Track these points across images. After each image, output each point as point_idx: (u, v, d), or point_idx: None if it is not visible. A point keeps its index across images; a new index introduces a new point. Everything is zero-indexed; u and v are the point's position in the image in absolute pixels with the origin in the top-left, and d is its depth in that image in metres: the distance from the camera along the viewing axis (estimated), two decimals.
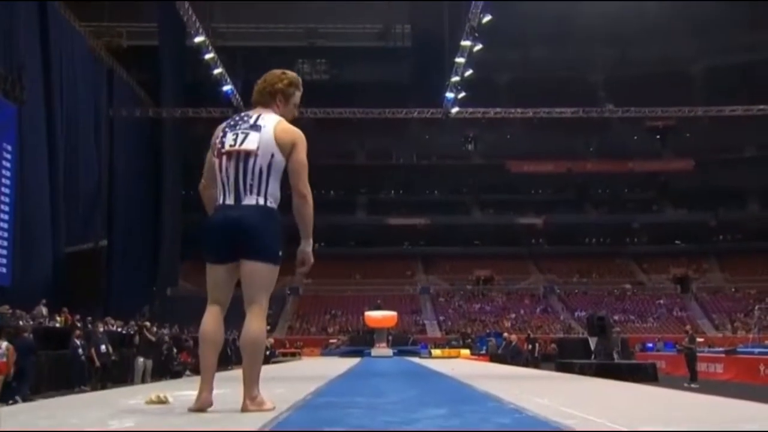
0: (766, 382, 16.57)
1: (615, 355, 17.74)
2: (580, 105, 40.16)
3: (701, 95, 46.88)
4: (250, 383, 3.71)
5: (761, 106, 38.63)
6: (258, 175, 3.74)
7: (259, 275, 3.72)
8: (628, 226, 53.41)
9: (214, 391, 3.78)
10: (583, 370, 15.15)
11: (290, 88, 4.02)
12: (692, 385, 16.08)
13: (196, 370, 19.77)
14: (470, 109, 39.32)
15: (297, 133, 3.85)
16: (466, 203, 54.61)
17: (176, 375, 18.62)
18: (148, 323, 21.15)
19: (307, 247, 3.84)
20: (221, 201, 3.79)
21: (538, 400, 4.24)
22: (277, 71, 4.08)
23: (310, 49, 53.10)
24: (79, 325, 18.06)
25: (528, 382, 7.34)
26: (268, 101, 3.98)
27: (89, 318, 19.60)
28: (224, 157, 3.80)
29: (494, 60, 45.09)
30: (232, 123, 3.91)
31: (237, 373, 13.33)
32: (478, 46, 33.31)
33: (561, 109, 39.60)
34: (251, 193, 3.74)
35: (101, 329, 17.53)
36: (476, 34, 32.04)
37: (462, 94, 37.86)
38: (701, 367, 19.81)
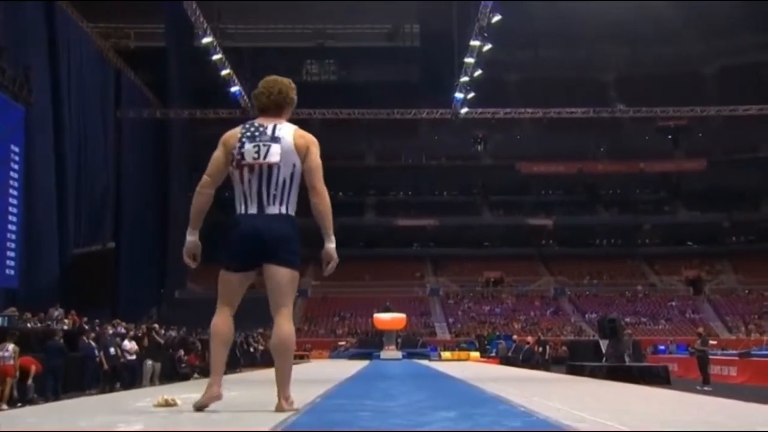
0: None
1: (626, 358, 17.69)
2: (590, 105, 40.03)
3: (714, 95, 46.65)
4: (284, 384, 3.90)
5: None
6: (282, 186, 3.92)
7: (285, 281, 3.95)
8: (639, 227, 53.23)
9: (224, 393, 3.82)
10: (594, 373, 15.10)
11: (295, 96, 4.27)
12: (705, 388, 16.01)
13: (204, 373, 19.86)
14: (480, 110, 39.26)
15: (310, 137, 4.05)
16: (475, 204, 54.53)
17: (184, 377, 18.66)
18: (156, 325, 21.20)
19: (330, 244, 3.98)
20: (243, 210, 3.96)
21: (548, 404, 4.24)
22: (280, 78, 4.27)
23: (318, 49, 53.21)
24: (86, 327, 18.13)
25: (538, 385, 7.32)
26: (281, 110, 4.16)
27: (97, 320, 19.68)
28: (245, 169, 3.94)
29: (504, 60, 45.09)
30: (248, 134, 4.00)
31: (245, 375, 13.29)
32: (488, 46, 33.26)
33: (571, 110, 39.48)
34: (274, 203, 3.91)
35: (110, 331, 17.60)
36: (485, 34, 32.00)
37: (471, 95, 37.81)
38: (714, 370, 19.70)
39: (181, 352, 20.75)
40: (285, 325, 3.94)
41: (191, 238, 4.18)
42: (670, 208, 54.24)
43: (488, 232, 53.48)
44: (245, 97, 39.16)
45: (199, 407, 3.81)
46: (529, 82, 50.44)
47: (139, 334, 19.36)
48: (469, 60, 34.45)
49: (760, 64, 47.89)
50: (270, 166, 3.91)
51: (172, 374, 19.28)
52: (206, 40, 33.67)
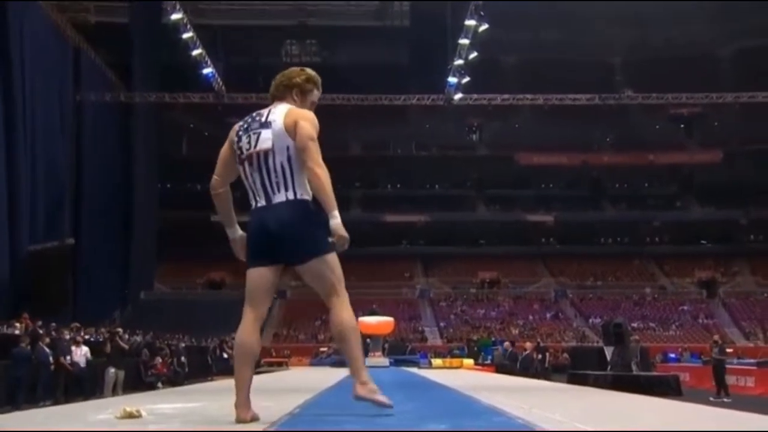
0: None
1: (633, 367, 17.78)
2: (595, 91, 40.27)
3: (730, 80, 46.97)
4: (358, 370, 4.02)
5: None
6: (282, 172, 4.00)
7: (324, 268, 4.01)
8: (648, 225, 53.50)
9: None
10: (598, 383, 15.18)
11: (308, 84, 4.26)
12: (725, 400, 16.09)
13: (171, 382, 19.82)
14: (475, 96, 39.38)
15: (301, 112, 4.09)
16: (470, 199, 54.63)
17: (150, 387, 18.60)
18: (120, 330, 21.09)
19: (334, 220, 3.99)
20: (254, 204, 4.08)
21: (549, 416, 4.25)
22: (297, 68, 4.36)
23: (299, 28, 53.06)
24: (41, 331, 18.00)
25: (537, 395, 7.35)
26: (284, 95, 4.23)
27: (53, 324, 19.53)
28: (246, 163, 4.06)
29: (501, 41, 45.11)
30: (245, 125, 4.14)
31: (217, 384, 13.22)
32: (484, 26, 33.34)
33: (575, 96, 39.70)
34: (279, 190, 4.01)
35: (67, 336, 17.51)
36: (481, 13, 32.09)
37: (466, 79, 37.88)
38: (730, 380, 19.81)
39: (147, 358, 20.67)
40: (344, 313, 4.04)
41: (233, 236, 4.28)
42: (681, 203, 54.56)
43: (483, 229, 53.59)
44: (219, 80, 39.10)
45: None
46: (528, 65, 50.56)
47: (100, 339, 19.26)
48: (464, 41, 34.51)
49: None
50: (265, 154, 4.01)
51: (137, 383, 19.21)
52: (175, 16, 33.53)
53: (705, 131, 53.86)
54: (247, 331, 4.03)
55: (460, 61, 35.83)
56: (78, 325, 20.57)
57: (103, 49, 38.08)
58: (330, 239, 3.99)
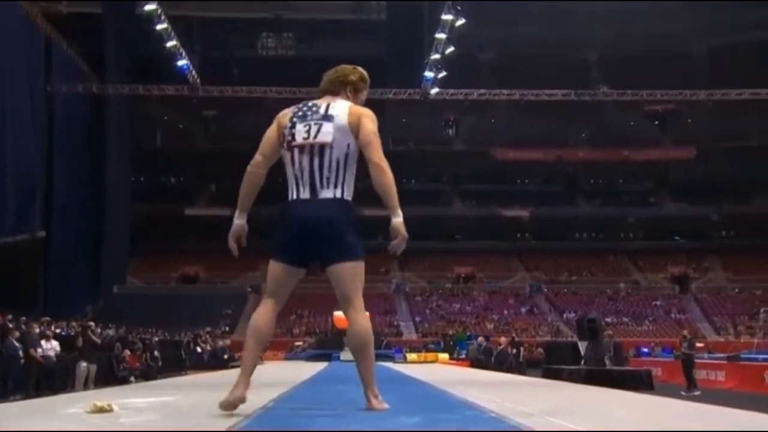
0: None
1: (607, 361, 17.90)
2: (571, 87, 40.48)
3: (704, 77, 47.40)
4: (370, 381, 4.05)
5: None
6: (336, 168, 4.03)
7: (350, 274, 4.06)
8: (622, 220, 53.93)
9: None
10: (571, 377, 15.30)
11: (361, 83, 4.40)
12: (693, 393, 16.33)
13: (144, 376, 19.71)
14: (451, 91, 39.48)
15: (363, 109, 4.20)
16: (446, 194, 54.75)
17: (122, 381, 18.48)
18: (92, 324, 20.92)
19: (397, 218, 4.09)
20: (295, 195, 4.03)
21: (521, 409, 4.28)
22: (349, 65, 4.45)
23: (275, 21, 52.83)
24: (11, 325, 17.81)
25: (511, 390, 7.40)
26: (338, 90, 4.30)
27: (24, 318, 19.32)
28: (296, 150, 4.04)
29: (478, 36, 45.19)
30: (300, 113, 4.14)
31: (191, 379, 13.13)
32: (461, 21, 33.39)
33: (551, 92, 39.89)
34: (328, 186, 4.02)
35: (37, 330, 17.32)
36: (458, 8, 32.13)
37: (442, 74, 37.95)
38: (700, 374, 20.05)
39: (119, 352, 20.52)
40: (359, 320, 4.07)
41: (239, 221, 4.21)
42: (655, 199, 55.04)
43: (459, 224, 53.76)
44: (194, 73, 38.82)
45: (224, 408, 3.84)
46: (505, 61, 50.67)
47: (71, 333, 19.08)
48: (441, 36, 34.56)
49: (754, 44, 48.50)
50: (322, 146, 4.01)
51: (109, 377, 19.06)
52: (149, 7, 33.26)
53: (679, 128, 54.32)
54: (264, 319, 4.07)
55: (436, 56, 35.88)
56: (48, 319, 20.37)
57: (75, 40, 37.63)
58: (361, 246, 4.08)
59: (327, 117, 4.07)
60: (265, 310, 4.08)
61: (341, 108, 4.11)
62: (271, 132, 4.18)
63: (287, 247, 4.04)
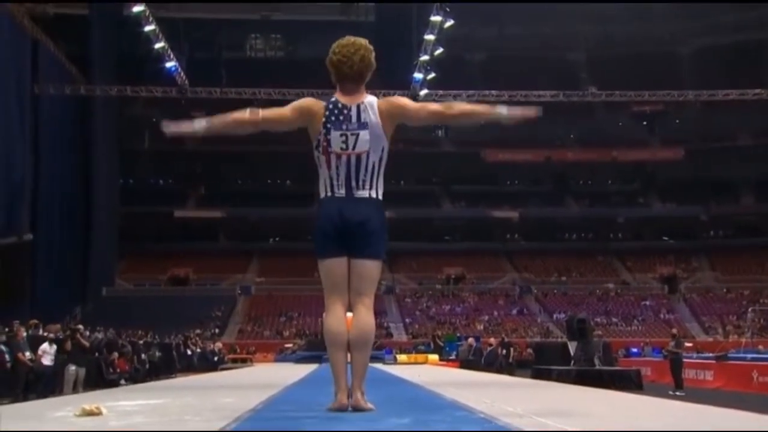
0: (759, 391, 16.88)
1: (596, 361, 17.94)
2: (560, 88, 40.53)
3: (692, 78, 47.59)
4: (362, 378, 4.10)
5: (757, 91, 39.34)
6: (372, 171, 4.11)
7: (371, 272, 4.13)
8: (611, 221, 54.12)
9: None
10: (561, 377, 15.34)
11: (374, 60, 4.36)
12: (677, 393, 16.40)
13: (133, 379, 19.65)
14: (440, 92, 39.35)
15: (385, 102, 4.20)
16: (435, 194, 54.82)
17: (112, 384, 18.40)
18: (80, 327, 20.83)
19: (503, 110, 4.40)
20: (330, 192, 4.11)
21: (510, 409, 4.29)
22: (357, 41, 4.40)
23: (263, 22, 52.77)
24: None
25: (501, 390, 7.41)
26: (363, 80, 4.29)
27: (17, 321, 19.22)
28: (333, 156, 4.09)
29: (467, 37, 45.31)
30: (333, 118, 4.11)
31: (181, 381, 13.09)
32: (449, 22, 33.42)
33: (539, 92, 39.87)
34: (364, 187, 4.09)
35: (24, 333, 17.24)
36: (447, 9, 32.16)
37: (431, 75, 37.95)
38: (689, 374, 20.14)
39: (108, 355, 20.46)
40: (367, 318, 4.12)
41: (199, 126, 4.31)
42: (644, 200, 55.27)
43: (449, 225, 53.85)
44: (182, 74, 38.67)
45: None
46: (493, 61, 50.80)
47: (61, 336, 18.98)
48: (429, 37, 34.58)
49: (741, 44, 48.77)
50: (359, 156, 4.07)
51: (98, 381, 18.99)
52: (137, 8, 33.12)
53: (667, 128, 54.59)
54: (337, 321, 4.13)
55: (425, 57, 35.89)
56: (36, 321, 20.28)
57: (62, 41, 37.50)
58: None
59: (362, 125, 4.08)
60: (337, 311, 4.15)
61: (372, 110, 4.13)
62: (287, 114, 4.23)
63: (328, 240, 4.09)
